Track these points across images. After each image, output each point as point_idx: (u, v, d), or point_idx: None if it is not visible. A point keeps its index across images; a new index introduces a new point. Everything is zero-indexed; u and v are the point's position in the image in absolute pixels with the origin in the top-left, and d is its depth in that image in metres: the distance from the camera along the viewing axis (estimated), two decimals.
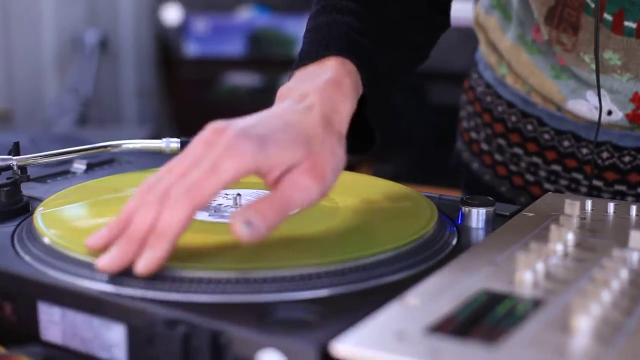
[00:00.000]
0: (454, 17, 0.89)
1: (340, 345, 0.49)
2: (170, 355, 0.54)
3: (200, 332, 0.53)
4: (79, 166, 0.94)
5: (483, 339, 0.49)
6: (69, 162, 0.94)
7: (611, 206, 0.76)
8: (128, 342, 0.57)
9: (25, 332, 0.63)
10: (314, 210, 0.72)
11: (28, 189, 0.83)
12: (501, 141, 1.00)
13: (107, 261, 0.59)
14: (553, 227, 0.65)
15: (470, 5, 2.14)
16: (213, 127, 0.63)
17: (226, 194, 0.78)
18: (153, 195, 0.60)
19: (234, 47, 2.53)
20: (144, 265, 0.58)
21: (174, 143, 0.87)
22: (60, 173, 0.92)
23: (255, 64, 2.54)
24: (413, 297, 0.55)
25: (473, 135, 1.05)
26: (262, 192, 0.78)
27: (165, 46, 2.66)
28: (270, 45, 2.49)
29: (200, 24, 2.53)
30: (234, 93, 2.55)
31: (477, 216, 0.75)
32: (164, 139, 0.87)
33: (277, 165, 0.61)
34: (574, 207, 0.72)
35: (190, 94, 2.55)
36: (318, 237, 0.68)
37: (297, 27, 2.49)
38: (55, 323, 0.61)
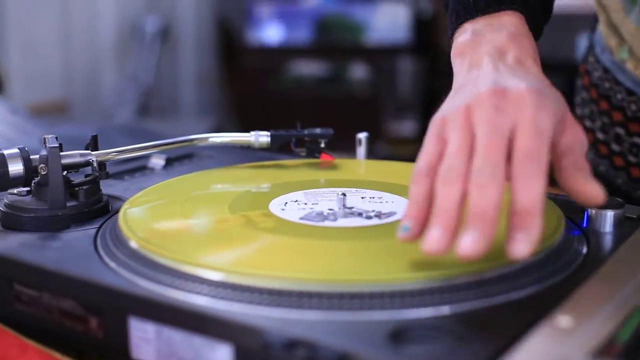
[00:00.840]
0: None
1: None
2: None
3: (325, 354, 0.46)
4: (158, 161, 0.87)
5: None
6: (146, 157, 0.88)
7: None
8: None
9: (113, 349, 0.57)
10: None
11: (105, 187, 0.77)
12: (619, 130, 0.92)
13: (433, 244, 0.51)
14: None
15: None
16: (489, 92, 0.56)
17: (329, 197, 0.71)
18: (452, 174, 0.53)
19: (300, 35, 2.46)
20: (471, 245, 0.50)
21: (263, 137, 0.80)
22: (137, 169, 0.86)
23: (323, 52, 2.46)
24: (564, 317, 0.48)
25: (587, 123, 0.97)
26: (366, 191, 0.71)
27: (228, 34, 2.59)
28: (338, 32, 2.41)
29: (265, 10, 2.46)
30: (299, 82, 2.47)
31: (606, 219, 0.67)
32: (252, 132, 0.81)
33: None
34: None
35: (253, 83, 2.48)
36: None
37: (365, 13, 2.41)
38: (148, 341, 0.55)
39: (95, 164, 0.72)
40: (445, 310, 0.51)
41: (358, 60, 2.42)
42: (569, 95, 1.87)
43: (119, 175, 0.83)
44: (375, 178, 0.77)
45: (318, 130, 0.82)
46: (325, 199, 0.69)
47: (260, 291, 0.52)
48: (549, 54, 1.97)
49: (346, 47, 2.44)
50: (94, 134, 0.75)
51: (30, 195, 0.70)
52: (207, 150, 0.93)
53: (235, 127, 2.17)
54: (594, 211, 0.68)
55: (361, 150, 0.85)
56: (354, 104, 2.37)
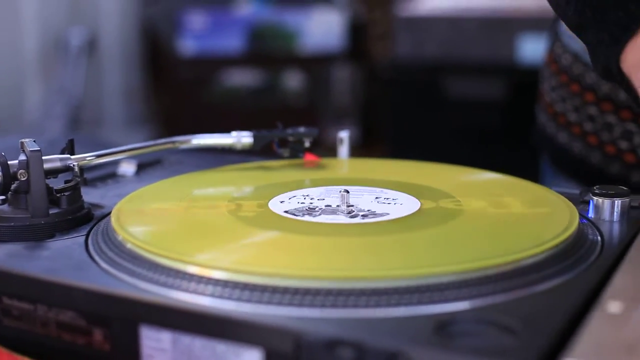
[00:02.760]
0: (468, 8, 0.81)
1: None
2: None
3: (374, 354, 0.43)
4: (128, 168, 0.83)
5: None
6: (114, 164, 0.83)
7: None
8: None
9: None
10: (440, 213, 0.64)
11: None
12: (592, 110, 0.93)
13: None
14: None
15: None
16: None
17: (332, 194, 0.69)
18: None
19: (233, 44, 2.42)
20: None
21: (246, 138, 0.77)
22: (107, 176, 0.82)
23: (256, 61, 2.42)
24: (612, 303, 0.46)
25: (558, 107, 0.99)
26: (368, 189, 0.69)
27: (157, 44, 2.53)
28: (271, 40, 2.38)
29: (196, 19, 2.41)
30: (232, 93, 2.43)
31: (613, 208, 0.66)
32: (234, 133, 0.77)
33: None
34: None
35: (184, 95, 2.43)
36: (460, 240, 0.59)
37: (299, 21, 2.38)
38: (163, 351, 0.51)
39: (76, 169, 0.68)
40: (481, 302, 0.49)
41: (292, 68, 2.39)
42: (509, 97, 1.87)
43: (91, 183, 0.79)
44: (363, 176, 0.75)
45: (302, 130, 0.79)
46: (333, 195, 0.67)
47: (286, 291, 0.49)
48: (488, 57, 1.98)
49: (280, 56, 2.41)
50: (70, 138, 0.71)
51: (7, 204, 0.65)
52: (174, 156, 0.89)
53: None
54: (600, 200, 0.67)
55: (343, 149, 0.83)
56: (290, 113, 2.34)
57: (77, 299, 0.54)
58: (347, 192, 0.65)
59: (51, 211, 0.65)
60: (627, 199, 0.67)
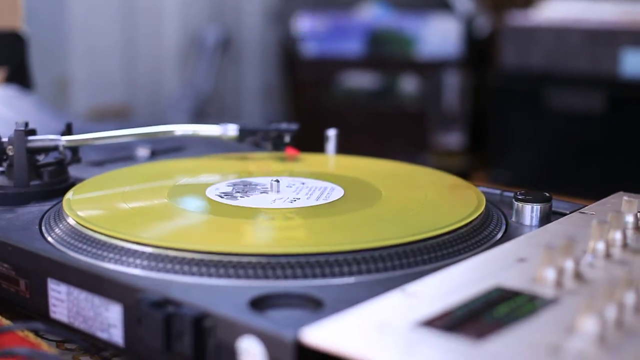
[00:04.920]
0: (576, 19, 0.83)
1: (312, 333, 0.45)
2: (154, 336, 0.51)
3: (184, 314, 0.50)
4: (143, 152, 0.93)
5: (471, 335, 0.44)
6: (132, 147, 0.93)
7: None
8: (124, 323, 0.55)
9: (37, 309, 0.62)
10: (350, 199, 0.69)
11: (83, 172, 0.83)
12: None
13: None
14: (596, 224, 0.59)
15: (594, 5, 2.06)
16: None
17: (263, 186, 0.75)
18: None
19: (353, 47, 2.50)
20: None
21: (232, 130, 0.85)
22: (122, 158, 0.91)
23: (374, 65, 2.50)
24: (417, 288, 0.51)
25: None
26: (302, 180, 0.75)
27: (286, 46, 2.65)
28: (390, 45, 2.45)
29: (319, 23, 2.50)
30: (351, 94, 2.51)
31: (531, 213, 0.70)
32: (221, 125, 0.85)
33: None
34: (632, 205, 0.66)
35: (307, 96, 2.54)
36: (337, 224, 0.64)
37: (418, 27, 2.44)
38: (62, 300, 0.60)
39: (61, 148, 0.78)
40: (320, 282, 0.55)
41: (409, 73, 2.44)
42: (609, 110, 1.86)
43: (102, 163, 0.89)
44: (331, 171, 0.81)
45: (283, 125, 0.86)
46: (262, 187, 0.73)
47: (148, 257, 0.57)
48: (590, 70, 1.97)
49: (397, 60, 2.47)
50: (69, 122, 0.81)
51: (4, 175, 0.76)
52: (197, 144, 0.98)
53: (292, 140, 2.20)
54: (520, 205, 0.70)
55: (330, 145, 0.88)
56: (404, 116, 2.40)
57: (9, 254, 0.63)
58: (278, 181, 0.71)
59: (34, 182, 0.75)
60: (547, 205, 0.70)
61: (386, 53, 2.47)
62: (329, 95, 2.52)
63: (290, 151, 0.86)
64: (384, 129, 2.42)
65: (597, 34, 1.93)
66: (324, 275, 0.55)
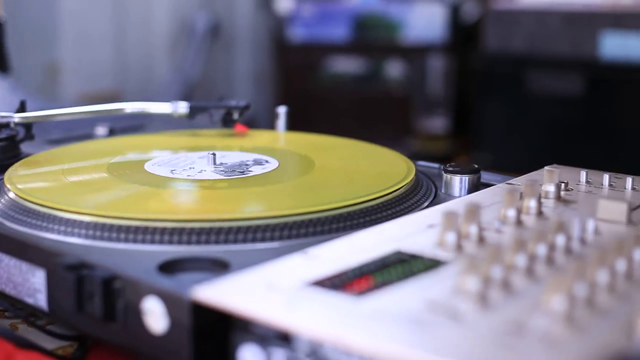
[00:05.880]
0: (556, 2, 0.85)
1: (205, 292, 0.47)
2: (67, 298, 0.53)
3: (95, 276, 0.52)
4: (102, 131, 0.95)
5: (353, 293, 0.46)
6: (90, 126, 0.96)
7: (606, 178, 0.71)
8: (47, 288, 0.57)
9: None
10: (282, 170, 0.71)
11: (39, 149, 0.85)
12: None
13: None
14: (507, 192, 0.60)
15: None
16: None
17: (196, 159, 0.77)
18: None
19: (339, 32, 2.52)
20: None
21: (182, 107, 0.87)
22: (80, 136, 0.94)
23: (360, 50, 2.52)
24: (319, 252, 0.53)
25: None
26: (239, 153, 0.77)
27: (275, 31, 2.67)
28: (376, 30, 2.47)
29: (306, 8, 2.52)
30: (337, 79, 2.54)
31: (459, 184, 0.71)
32: (172, 102, 0.87)
33: None
34: (553, 175, 0.67)
35: (296, 80, 2.56)
36: (259, 192, 0.66)
37: (404, 12, 2.46)
38: None
39: (12, 124, 0.80)
40: (233, 247, 0.57)
41: (394, 58, 2.46)
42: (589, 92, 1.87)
43: (60, 141, 0.91)
44: (275, 145, 0.83)
45: (233, 103, 0.88)
46: (203, 161, 0.75)
47: (67, 224, 0.59)
48: (571, 52, 1.98)
49: (383, 45, 2.49)
50: (23, 99, 0.84)
51: None
52: (157, 122, 1.00)
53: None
54: (448, 177, 0.72)
55: (280, 122, 0.90)
56: (389, 100, 2.42)
57: None
58: (214, 154, 0.73)
59: None
60: (475, 176, 0.72)
61: (372, 38, 2.49)
62: (316, 79, 2.54)
63: (239, 128, 0.88)
64: (369, 113, 2.44)
65: (577, 17, 1.94)
66: (235, 241, 0.57)
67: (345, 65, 2.54)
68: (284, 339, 0.44)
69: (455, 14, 2.43)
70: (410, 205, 0.67)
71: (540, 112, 2.00)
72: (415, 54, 2.44)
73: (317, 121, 2.24)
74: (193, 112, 0.87)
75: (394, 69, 2.49)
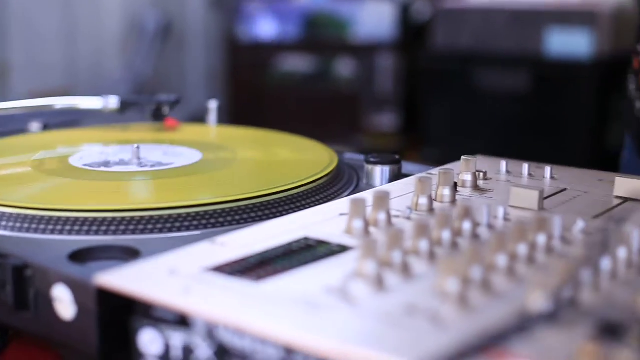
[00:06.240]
0: (503, 0, 0.84)
1: (108, 278, 0.47)
2: None
3: (7, 264, 0.53)
4: (36, 127, 0.95)
5: (251, 278, 0.47)
6: (24, 121, 0.96)
7: (526, 167, 0.72)
8: None
9: None
10: (205, 163, 0.72)
11: None
12: None
13: None
14: (418, 181, 0.62)
15: None
16: None
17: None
18: None
19: (290, 31, 2.53)
20: None
21: (113, 102, 0.87)
22: (13, 131, 0.94)
23: (311, 48, 2.53)
24: (226, 239, 0.53)
25: None
26: (165, 146, 0.78)
27: (227, 30, 2.68)
28: (326, 28, 2.48)
29: (256, 7, 2.53)
30: (288, 78, 2.55)
31: (380, 174, 0.73)
32: (102, 97, 0.87)
33: None
34: (469, 165, 0.69)
35: (247, 78, 2.57)
36: (178, 184, 0.67)
37: (354, 10, 2.47)
38: None
39: None
40: (145, 237, 0.57)
41: (344, 56, 2.48)
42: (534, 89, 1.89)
43: None
44: (203, 139, 0.84)
45: (163, 97, 0.89)
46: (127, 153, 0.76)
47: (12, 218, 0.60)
48: (516, 50, 2.00)
49: (333, 44, 2.51)
50: None
51: None
52: (94, 118, 1.00)
53: (232, 121, 2.25)
54: (369, 167, 0.73)
55: (211, 117, 0.91)
56: (340, 99, 2.44)
57: None
58: (138, 147, 0.74)
59: None
60: (395, 166, 0.73)
61: (322, 36, 2.51)
62: (267, 78, 2.55)
63: (169, 122, 0.88)
64: (319, 112, 2.46)
65: (522, 14, 1.97)
66: (150, 231, 0.58)
67: (296, 64, 2.55)
68: (182, 323, 0.45)
69: (405, 13, 2.45)
70: (330, 195, 0.68)
71: (487, 108, 2.03)
72: (365, 52, 2.46)
73: (268, 119, 2.24)
74: (124, 107, 0.87)
75: (344, 68, 2.50)
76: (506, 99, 1.99)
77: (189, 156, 0.75)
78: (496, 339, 0.38)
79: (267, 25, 2.53)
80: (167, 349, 0.45)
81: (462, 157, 0.70)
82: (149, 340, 0.46)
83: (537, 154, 1.86)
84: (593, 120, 1.94)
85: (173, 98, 0.88)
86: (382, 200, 0.57)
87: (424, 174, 0.71)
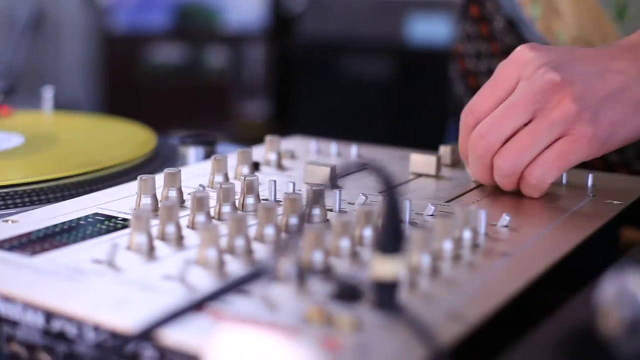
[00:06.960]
0: None
1: None
2: None
3: None
4: None
5: (25, 253, 0.49)
6: None
7: (334, 146, 0.77)
8: None
9: None
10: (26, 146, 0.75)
11: None
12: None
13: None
14: (215, 159, 0.65)
15: None
16: (548, 83, 0.58)
17: None
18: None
19: (160, 20, 2.55)
20: None
21: None
22: None
23: (181, 38, 2.56)
24: (19, 217, 0.56)
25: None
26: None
27: (97, 21, 2.68)
28: (197, 17, 2.51)
29: None
30: (160, 69, 2.56)
31: (194, 154, 0.76)
32: None
33: None
34: (273, 144, 0.72)
35: (120, 70, 2.57)
36: None
37: (222, 0, 2.51)
38: None
39: None
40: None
41: (215, 46, 2.51)
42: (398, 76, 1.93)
43: None
44: (33, 125, 0.86)
45: None
46: None
47: None
48: (379, 38, 2.06)
49: (203, 33, 2.54)
50: None
51: None
52: None
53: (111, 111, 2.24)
54: (184, 148, 0.76)
55: (47, 105, 0.92)
56: (212, 89, 2.47)
57: None
58: None
59: None
60: (209, 147, 0.76)
61: (193, 26, 2.54)
62: (139, 68, 2.55)
63: (2, 109, 0.90)
64: (190, 102, 2.48)
65: (385, 4, 2.03)
66: None
67: (167, 55, 2.57)
68: None
69: (276, 2, 2.49)
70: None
71: (352, 95, 2.09)
72: (236, 42, 2.49)
73: (141, 111, 2.25)
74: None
75: (215, 58, 2.53)
76: (372, 86, 2.05)
77: (11, 140, 0.77)
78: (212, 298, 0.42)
79: (139, 15, 2.54)
80: None
81: (267, 136, 0.73)
82: None
83: (401, 140, 1.92)
84: None
85: (6, 86, 0.90)
86: (173, 177, 0.60)
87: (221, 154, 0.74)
